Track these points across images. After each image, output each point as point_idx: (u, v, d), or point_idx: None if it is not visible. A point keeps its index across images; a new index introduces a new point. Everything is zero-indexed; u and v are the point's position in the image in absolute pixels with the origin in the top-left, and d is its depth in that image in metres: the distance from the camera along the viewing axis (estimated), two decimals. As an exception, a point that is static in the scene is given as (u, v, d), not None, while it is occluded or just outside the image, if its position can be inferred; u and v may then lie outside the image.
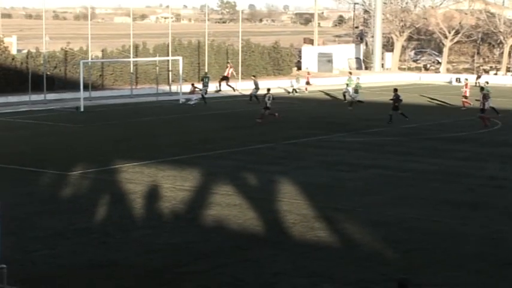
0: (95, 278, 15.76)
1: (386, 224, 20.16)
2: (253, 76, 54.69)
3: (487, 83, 47.47)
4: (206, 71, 58.13)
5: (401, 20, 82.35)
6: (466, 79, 54.73)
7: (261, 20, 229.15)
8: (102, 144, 33.18)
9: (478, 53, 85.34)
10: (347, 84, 51.08)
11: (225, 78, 56.46)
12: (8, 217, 18.07)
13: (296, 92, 56.95)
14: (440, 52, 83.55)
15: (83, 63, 49.05)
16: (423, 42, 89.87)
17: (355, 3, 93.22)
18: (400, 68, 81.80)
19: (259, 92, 49.84)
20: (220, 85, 56.45)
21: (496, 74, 75.95)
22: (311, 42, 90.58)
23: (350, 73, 55.07)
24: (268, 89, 42.66)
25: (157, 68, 57.55)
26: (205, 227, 19.79)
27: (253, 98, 49.77)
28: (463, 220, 20.65)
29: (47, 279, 15.61)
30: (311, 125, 39.69)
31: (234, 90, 55.96)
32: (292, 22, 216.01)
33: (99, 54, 60.83)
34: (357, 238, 18.86)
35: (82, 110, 44.94)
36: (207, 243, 18.25)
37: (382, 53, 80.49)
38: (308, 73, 63.19)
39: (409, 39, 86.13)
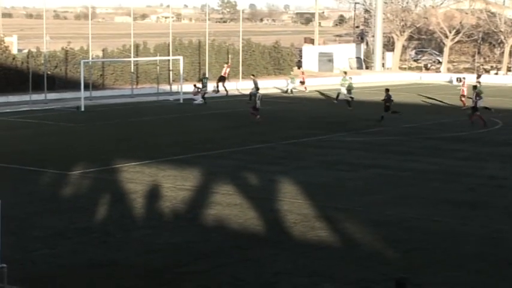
0: (95, 278, 15.76)
1: (386, 223, 20.16)
2: (253, 76, 54.66)
3: (479, 83, 47.45)
4: (205, 71, 58.19)
5: (402, 20, 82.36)
6: (464, 78, 54.73)
7: (261, 20, 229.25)
8: (103, 144, 33.19)
9: (479, 53, 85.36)
10: (341, 84, 50.82)
11: (222, 79, 56.24)
12: (8, 216, 18.07)
13: (291, 92, 56.83)
14: (441, 52, 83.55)
15: (83, 62, 49.07)
16: (424, 42, 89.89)
17: (355, 3, 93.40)
18: (400, 68, 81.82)
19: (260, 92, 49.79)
20: (218, 86, 56.35)
21: (496, 73, 75.97)
22: (312, 41, 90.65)
23: (345, 73, 54.73)
24: (258, 89, 42.66)
25: (158, 67, 57.56)
26: (206, 226, 19.80)
27: (253, 98, 49.70)
28: (463, 220, 20.65)
29: (47, 279, 15.61)
30: (311, 125, 39.70)
31: (220, 91, 55.55)
32: (293, 22, 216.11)
33: (100, 53, 60.88)
34: (357, 238, 18.86)
35: (83, 109, 44.95)
36: (207, 243, 18.26)
37: (383, 53, 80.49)
38: (302, 72, 62.89)
39: (410, 38, 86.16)
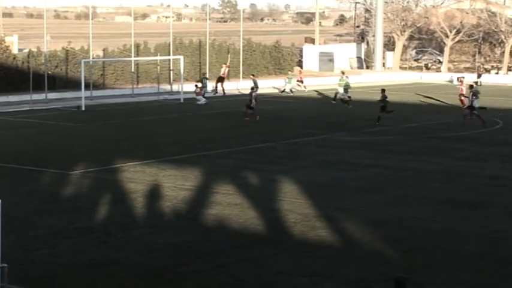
0: (96, 277, 15.77)
1: (386, 223, 20.17)
2: (253, 75, 54.65)
3: (476, 83, 47.45)
4: (204, 72, 58.19)
5: (403, 19, 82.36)
6: (463, 77, 54.71)
7: (262, 19, 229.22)
8: (103, 144, 33.21)
9: (479, 52, 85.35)
10: (339, 85, 50.69)
11: (221, 79, 56.06)
12: (8, 216, 18.08)
13: (291, 92, 56.79)
14: (442, 51, 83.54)
15: (84, 62, 49.08)
16: (424, 42, 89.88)
17: (356, 3, 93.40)
18: (401, 67, 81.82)
19: (259, 92, 49.81)
20: (216, 86, 56.24)
21: (497, 73, 75.99)
22: (312, 41, 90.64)
23: (342, 73, 54.53)
24: (252, 88, 42.66)
25: (159, 67, 57.59)
26: (206, 226, 19.81)
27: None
28: (464, 219, 20.66)
29: (47, 279, 15.62)
30: (311, 125, 39.70)
31: (218, 91, 55.58)
32: (294, 21, 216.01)
33: (100, 53, 60.91)
34: (357, 237, 18.87)
35: (83, 109, 44.98)
36: (207, 243, 18.27)
37: (383, 52, 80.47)
38: (300, 72, 62.74)
39: (410, 38, 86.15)
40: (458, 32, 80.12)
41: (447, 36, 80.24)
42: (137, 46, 60.79)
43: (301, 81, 59.46)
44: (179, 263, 16.74)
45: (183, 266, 16.52)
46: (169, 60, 57.60)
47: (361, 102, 49.08)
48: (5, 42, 55.62)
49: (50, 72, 52.64)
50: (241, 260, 16.97)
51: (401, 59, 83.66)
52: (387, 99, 41.03)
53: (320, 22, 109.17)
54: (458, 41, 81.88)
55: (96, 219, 20.26)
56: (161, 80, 56.71)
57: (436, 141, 34.37)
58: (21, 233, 18.69)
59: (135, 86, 55.92)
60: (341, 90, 49.58)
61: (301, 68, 74.05)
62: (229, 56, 60.63)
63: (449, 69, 79.16)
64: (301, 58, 78.63)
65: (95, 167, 27.20)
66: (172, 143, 33.29)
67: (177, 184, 24.53)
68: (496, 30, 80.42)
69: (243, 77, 60.05)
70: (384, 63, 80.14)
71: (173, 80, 56.68)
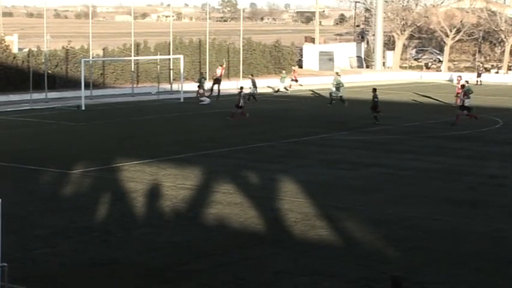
0: (96, 277, 15.77)
1: (387, 222, 20.17)
2: (252, 75, 54.62)
3: (467, 81, 47.37)
4: (202, 72, 58.15)
5: (403, 19, 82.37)
6: (460, 76, 54.70)
7: (262, 19, 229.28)
8: (103, 143, 33.20)
9: (479, 52, 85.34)
10: (333, 85, 50.53)
11: (217, 81, 55.68)
12: (8, 215, 18.07)
13: (287, 90, 56.79)
14: (442, 50, 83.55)
15: (84, 61, 49.10)
16: (424, 41, 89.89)
17: (356, 2, 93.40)
18: (401, 67, 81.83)
19: (258, 91, 49.87)
20: (212, 88, 56.04)
21: (497, 72, 75.99)
22: (312, 40, 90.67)
23: (337, 73, 54.39)
24: (241, 88, 42.62)
25: (159, 66, 57.60)
26: (206, 225, 19.80)
27: (251, 98, 49.66)
28: (464, 218, 20.66)
29: (47, 278, 15.62)
30: (311, 124, 39.70)
31: (211, 93, 55.43)
32: (294, 21, 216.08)
33: (100, 52, 60.91)
34: (358, 236, 18.87)
35: (83, 108, 44.97)
36: (208, 242, 18.26)
37: (384, 52, 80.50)
38: (294, 71, 62.65)
39: (411, 37, 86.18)
40: (458, 31, 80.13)
41: (447, 36, 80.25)
42: (137, 45, 60.80)
43: (296, 80, 59.48)
44: (179, 262, 16.74)
45: (183, 265, 16.52)
46: (169, 59, 57.60)
47: (361, 102, 49.05)
48: (5, 42, 55.62)
49: (50, 71, 52.64)
50: (241, 259, 16.96)
51: (401, 58, 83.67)
52: (376, 99, 40.74)
53: (320, 21, 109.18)
54: (459, 40, 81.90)
55: (96, 219, 20.26)
56: (161, 80, 56.71)
57: (437, 141, 34.37)
58: (21, 232, 18.69)
59: (135, 85, 55.90)
60: (334, 89, 49.54)
61: (300, 67, 74.05)
62: (224, 60, 60.60)
63: (449, 69, 79.17)
64: (301, 57, 78.62)
65: (95, 166, 27.19)
66: (172, 142, 33.29)
67: (177, 183, 24.53)
68: (496, 29, 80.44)
69: (243, 77, 60.00)
70: (384, 63, 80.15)
71: (173, 80, 56.67)
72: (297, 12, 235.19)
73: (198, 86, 51.14)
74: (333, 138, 34.91)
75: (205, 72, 58.21)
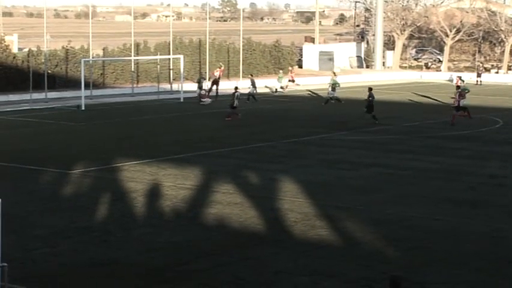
0: (96, 277, 15.77)
1: (387, 222, 20.17)
2: (251, 75, 54.60)
3: (463, 81, 47.34)
4: (202, 73, 58.09)
5: (403, 19, 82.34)
6: (459, 76, 54.70)
7: (262, 19, 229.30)
8: (103, 143, 33.20)
9: (479, 52, 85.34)
10: (329, 84, 50.48)
11: (216, 82, 55.48)
12: (8, 215, 18.07)
13: (283, 89, 56.86)
14: (442, 50, 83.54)
15: (84, 61, 49.08)
16: (424, 41, 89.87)
17: (356, 2, 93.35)
18: (401, 67, 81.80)
19: (258, 91, 49.83)
20: (211, 89, 55.98)
21: (497, 72, 75.98)
22: (312, 40, 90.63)
23: (334, 73, 54.30)
24: (236, 88, 42.58)
25: (159, 66, 57.59)
26: (206, 225, 19.80)
27: (251, 98, 49.65)
28: (464, 218, 20.66)
29: (47, 278, 15.61)
30: (312, 123, 39.69)
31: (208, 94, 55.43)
32: (294, 20, 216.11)
33: (100, 52, 60.91)
34: (358, 236, 18.86)
35: (83, 108, 44.96)
36: (208, 242, 18.26)
37: (383, 52, 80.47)
38: (291, 71, 62.59)
39: (410, 37, 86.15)
40: (458, 31, 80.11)
41: (447, 36, 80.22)
42: (137, 45, 60.78)
43: (293, 81, 59.51)
44: (179, 262, 16.73)
45: (183, 265, 16.51)
46: (169, 59, 57.58)
47: (360, 102, 48.92)
48: (5, 42, 55.59)
49: (49, 71, 52.62)
50: (241, 259, 16.96)
51: (401, 58, 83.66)
52: (371, 98, 40.67)
53: (320, 21, 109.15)
54: (458, 40, 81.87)
55: (96, 219, 20.26)
56: (161, 80, 56.70)
57: (436, 140, 34.37)
58: (21, 232, 18.68)
59: (135, 85, 55.89)
60: (330, 89, 49.53)
61: (300, 67, 73.99)
62: (221, 64, 60.52)
63: (449, 69, 79.15)
64: (301, 57, 78.61)
65: (95, 166, 27.19)
66: (172, 142, 33.28)
67: (177, 183, 24.52)
68: (496, 29, 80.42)
69: (242, 77, 59.99)
70: (383, 63, 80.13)
71: (173, 80, 56.65)
72: (297, 12, 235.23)
73: (199, 87, 51.05)
74: (333, 138, 34.91)
75: (205, 73, 58.19)
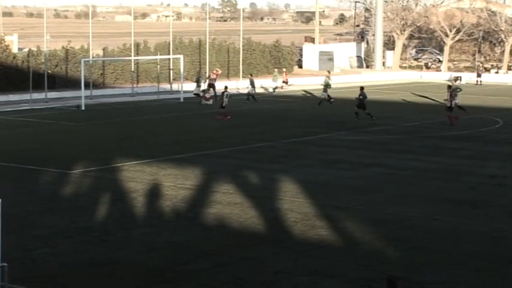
0: (96, 277, 15.77)
1: (387, 222, 20.17)
2: (251, 75, 54.60)
3: (460, 79, 47.31)
4: (200, 72, 58.07)
5: (403, 19, 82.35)
6: (459, 77, 54.70)
7: (262, 19, 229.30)
8: (103, 143, 33.20)
9: (479, 52, 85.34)
10: (322, 85, 50.42)
11: (212, 86, 55.18)
12: (8, 215, 18.07)
13: (279, 88, 56.92)
14: (442, 50, 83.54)
15: (84, 61, 49.09)
16: (424, 41, 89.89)
17: (356, 2, 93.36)
18: (401, 67, 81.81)
19: (257, 91, 49.80)
20: (208, 90, 55.84)
21: (497, 72, 75.98)
22: (312, 40, 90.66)
23: (328, 72, 54.15)
24: (226, 87, 42.50)
25: (159, 66, 57.59)
26: (206, 225, 19.80)
27: (251, 98, 49.63)
28: (464, 218, 20.66)
29: (47, 278, 15.62)
30: (311, 124, 39.70)
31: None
32: (293, 20, 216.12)
33: (100, 52, 60.92)
34: (357, 236, 18.87)
35: (83, 108, 44.96)
36: (208, 242, 18.26)
37: (383, 52, 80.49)
38: (285, 74, 62.47)
39: (410, 37, 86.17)
40: (458, 31, 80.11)
41: (447, 36, 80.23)
42: (137, 45, 60.79)
43: (286, 82, 59.60)
44: (179, 262, 16.74)
45: (183, 265, 16.52)
46: (169, 59, 57.58)
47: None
48: (5, 42, 55.60)
49: (50, 71, 52.63)
50: (241, 259, 16.97)
51: (401, 58, 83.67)
52: (364, 97, 40.62)
53: (320, 21, 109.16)
54: (458, 40, 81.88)
55: (96, 219, 20.26)
56: (161, 80, 56.70)
57: (436, 140, 34.37)
58: (21, 232, 18.69)
59: (135, 85, 55.90)
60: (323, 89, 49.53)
61: (300, 67, 73.99)
62: (218, 69, 60.46)
63: (449, 69, 79.16)
64: (301, 57, 78.62)
65: (95, 166, 27.19)
66: (172, 142, 33.28)
67: (177, 183, 24.53)
68: (496, 29, 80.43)
69: (242, 77, 60.00)
70: (383, 63, 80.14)
71: (173, 80, 56.66)
72: (297, 12, 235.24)
73: (197, 86, 51.06)
74: (332, 138, 34.92)
75: (205, 72, 58.15)
